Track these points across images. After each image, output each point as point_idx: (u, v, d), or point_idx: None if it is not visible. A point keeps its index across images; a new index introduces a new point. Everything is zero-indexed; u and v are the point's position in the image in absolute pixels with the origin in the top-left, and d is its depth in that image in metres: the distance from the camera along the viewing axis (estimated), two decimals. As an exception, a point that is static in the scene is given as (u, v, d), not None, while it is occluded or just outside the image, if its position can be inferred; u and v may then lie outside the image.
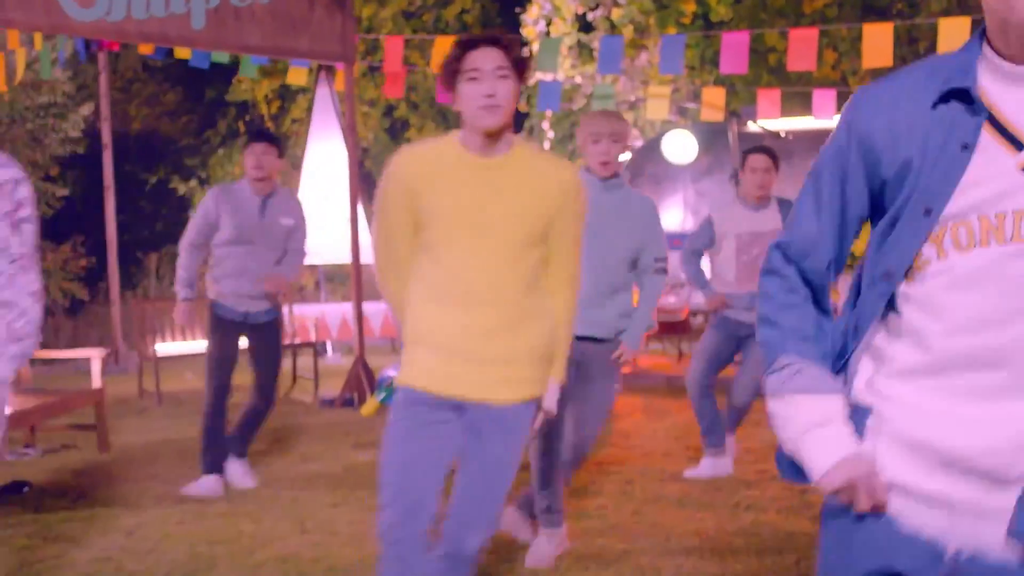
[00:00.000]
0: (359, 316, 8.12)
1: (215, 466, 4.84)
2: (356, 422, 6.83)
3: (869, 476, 1.46)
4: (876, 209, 1.54)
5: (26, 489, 4.95)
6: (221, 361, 4.81)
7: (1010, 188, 1.34)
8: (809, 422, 1.51)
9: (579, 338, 3.13)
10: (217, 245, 4.81)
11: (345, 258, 9.95)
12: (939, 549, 1.45)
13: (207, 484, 4.76)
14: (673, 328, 10.33)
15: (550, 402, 2.66)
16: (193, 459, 5.26)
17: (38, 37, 9.65)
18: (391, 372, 7.93)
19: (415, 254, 2.65)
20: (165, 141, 19.21)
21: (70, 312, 14.17)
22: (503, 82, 2.41)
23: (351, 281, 8.83)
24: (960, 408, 1.41)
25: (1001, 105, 1.37)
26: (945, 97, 1.41)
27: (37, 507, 4.65)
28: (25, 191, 2.83)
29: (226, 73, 15.07)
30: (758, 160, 4.93)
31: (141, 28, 6.90)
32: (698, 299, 11.30)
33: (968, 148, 1.37)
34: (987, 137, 1.37)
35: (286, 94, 17.64)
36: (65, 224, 15.04)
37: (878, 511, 1.47)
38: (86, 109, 14.06)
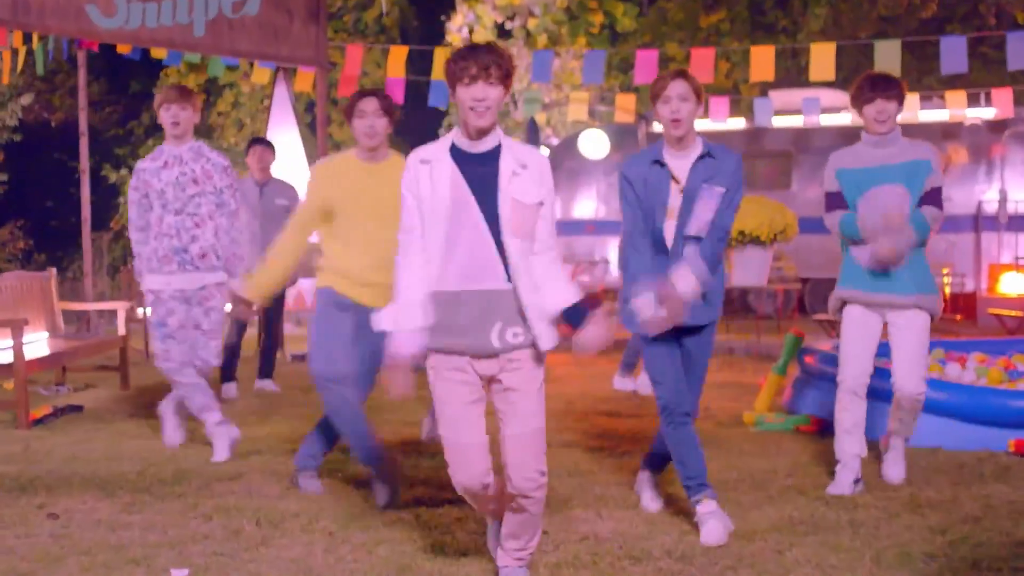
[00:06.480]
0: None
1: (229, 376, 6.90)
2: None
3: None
4: None
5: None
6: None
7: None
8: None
9: None
10: None
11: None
12: None
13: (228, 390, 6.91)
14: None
15: None
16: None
17: (35, 36, 10.67)
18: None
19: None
20: (90, 132, 19.58)
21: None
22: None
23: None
24: None
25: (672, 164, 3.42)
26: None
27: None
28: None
29: (150, 66, 14.71)
30: None
31: (153, 35, 8.00)
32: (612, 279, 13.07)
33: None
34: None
35: (212, 88, 18.35)
36: (3, 210, 15.67)
37: None
38: (26, 99, 14.65)
